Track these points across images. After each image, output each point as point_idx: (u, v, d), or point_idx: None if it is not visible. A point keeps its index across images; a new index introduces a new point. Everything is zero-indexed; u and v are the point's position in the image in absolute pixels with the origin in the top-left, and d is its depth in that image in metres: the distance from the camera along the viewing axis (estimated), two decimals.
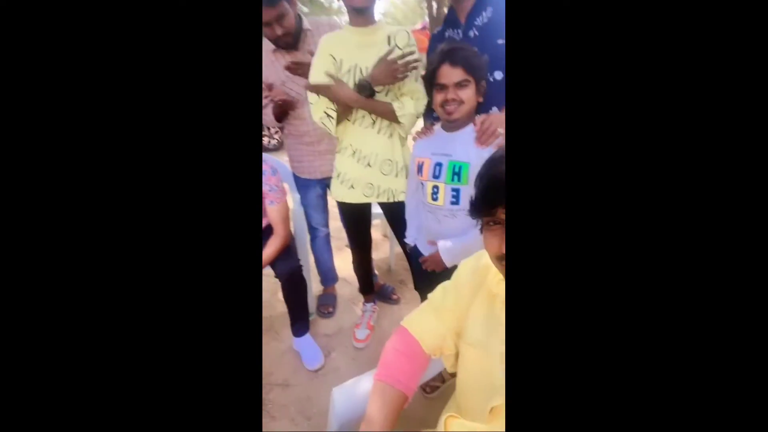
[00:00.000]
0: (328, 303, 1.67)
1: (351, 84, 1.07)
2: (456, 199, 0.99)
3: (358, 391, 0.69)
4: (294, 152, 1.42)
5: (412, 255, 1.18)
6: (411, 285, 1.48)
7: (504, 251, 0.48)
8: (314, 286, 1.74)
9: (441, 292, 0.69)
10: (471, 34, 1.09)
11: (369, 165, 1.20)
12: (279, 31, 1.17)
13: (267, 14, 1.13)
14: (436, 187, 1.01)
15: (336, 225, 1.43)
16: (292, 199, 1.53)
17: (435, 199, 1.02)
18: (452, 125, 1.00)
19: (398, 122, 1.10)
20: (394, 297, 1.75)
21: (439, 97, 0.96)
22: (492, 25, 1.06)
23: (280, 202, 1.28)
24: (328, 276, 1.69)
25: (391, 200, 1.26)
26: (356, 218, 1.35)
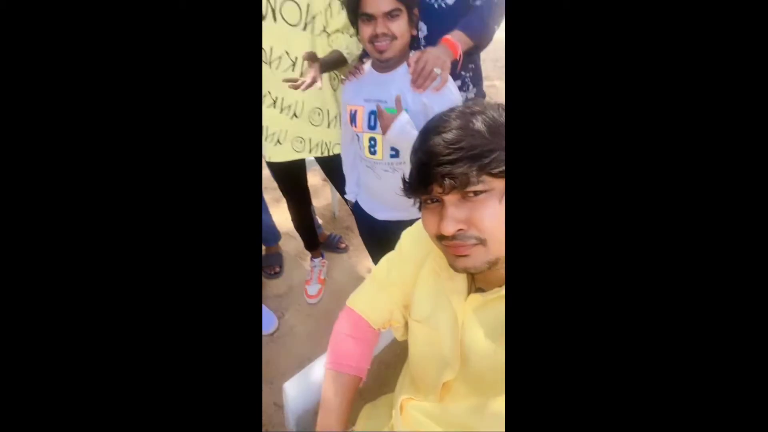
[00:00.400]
0: (273, 263, 1.59)
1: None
2: (396, 152, 0.89)
3: (310, 380, 0.66)
4: None
5: (355, 212, 1.10)
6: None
7: (443, 232, 0.44)
8: None
9: (385, 265, 0.64)
10: None
11: (295, 116, 1.04)
12: None
13: None
14: (372, 138, 0.90)
15: (268, 174, 1.28)
16: None
17: (373, 153, 0.91)
18: (385, 65, 0.85)
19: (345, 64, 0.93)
20: (342, 246, 1.71)
21: (367, 31, 0.80)
22: None
23: None
24: (269, 235, 1.57)
25: (326, 154, 1.13)
26: (289, 176, 1.23)
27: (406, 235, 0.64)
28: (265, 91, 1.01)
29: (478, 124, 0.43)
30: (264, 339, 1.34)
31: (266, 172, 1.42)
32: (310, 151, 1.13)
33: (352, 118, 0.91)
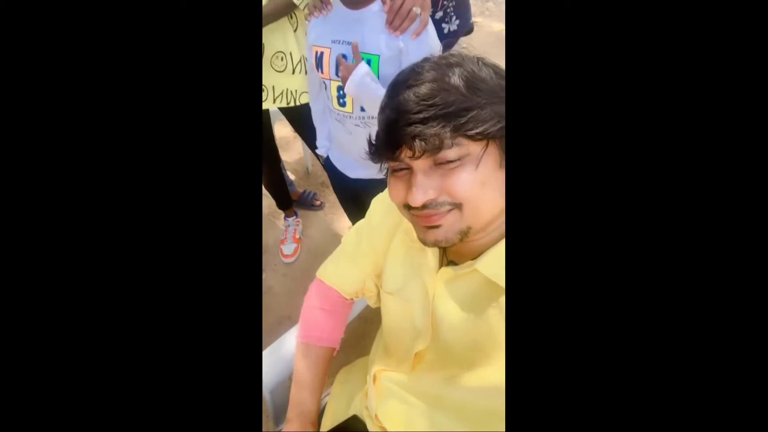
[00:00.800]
0: None
1: None
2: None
3: (283, 352, 0.64)
4: None
5: (326, 168, 1.02)
6: None
7: (410, 202, 0.39)
8: None
9: (355, 235, 0.60)
10: None
11: (272, 66, 0.91)
12: None
13: None
14: (341, 87, 0.79)
15: None
16: None
17: (342, 105, 0.82)
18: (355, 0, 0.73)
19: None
20: (317, 203, 1.65)
21: None
22: None
23: None
24: None
25: (293, 104, 1.03)
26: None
27: (376, 203, 0.59)
28: None
29: (455, 78, 0.37)
30: None
31: None
32: (274, 101, 1.01)
33: (318, 62, 0.80)
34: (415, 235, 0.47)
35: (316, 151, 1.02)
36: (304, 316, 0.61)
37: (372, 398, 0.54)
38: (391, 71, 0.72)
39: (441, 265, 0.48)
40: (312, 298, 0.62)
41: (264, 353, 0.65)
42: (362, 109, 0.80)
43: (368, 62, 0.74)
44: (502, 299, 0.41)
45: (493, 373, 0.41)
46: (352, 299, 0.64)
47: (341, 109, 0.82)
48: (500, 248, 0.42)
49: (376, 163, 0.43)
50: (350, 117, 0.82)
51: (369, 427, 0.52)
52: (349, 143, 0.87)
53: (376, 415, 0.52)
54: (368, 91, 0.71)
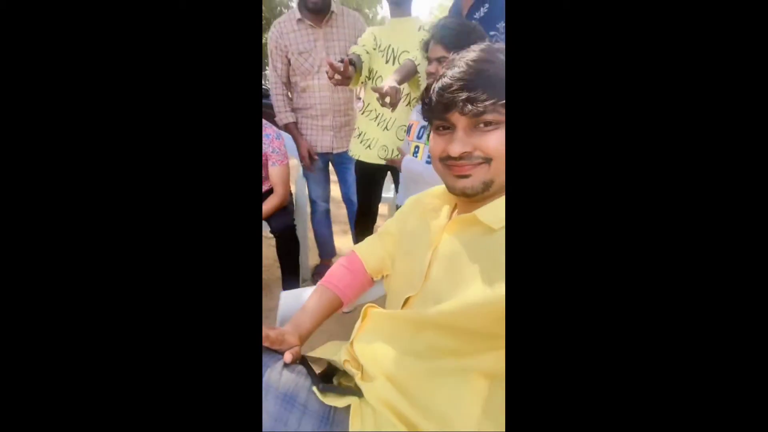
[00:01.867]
0: (323, 273, 1.74)
1: (381, 59, 1.26)
2: (430, 161, 1.05)
3: (303, 296, 0.75)
4: (300, 123, 1.53)
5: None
6: None
7: (447, 153, 0.50)
8: (312, 258, 1.82)
9: (389, 221, 0.74)
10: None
11: (387, 128, 1.30)
12: None
13: None
14: (417, 147, 1.08)
15: (336, 212, 1.51)
16: (295, 168, 1.65)
17: (415, 156, 1.09)
18: None
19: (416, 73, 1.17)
20: None
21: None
22: (489, 17, 1.15)
23: (282, 164, 1.39)
24: (326, 248, 1.76)
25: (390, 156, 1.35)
26: (367, 179, 1.43)
27: (408, 199, 0.73)
28: (372, 106, 1.29)
29: (501, 57, 0.49)
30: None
31: (335, 193, 1.68)
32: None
33: (408, 130, 1.13)
34: (433, 203, 0.60)
35: (398, 202, 1.27)
36: (330, 269, 0.74)
37: (358, 331, 0.58)
38: None
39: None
40: (342, 259, 0.75)
41: (286, 292, 0.77)
42: (428, 162, 1.05)
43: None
44: (490, 237, 0.47)
45: (474, 293, 0.44)
46: (371, 276, 0.74)
47: (414, 158, 1.09)
48: (498, 201, 0.49)
49: (425, 119, 0.55)
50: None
51: (342, 355, 0.56)
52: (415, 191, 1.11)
53: (351, 342, 0.56)
54: (414, 173, 1.06)
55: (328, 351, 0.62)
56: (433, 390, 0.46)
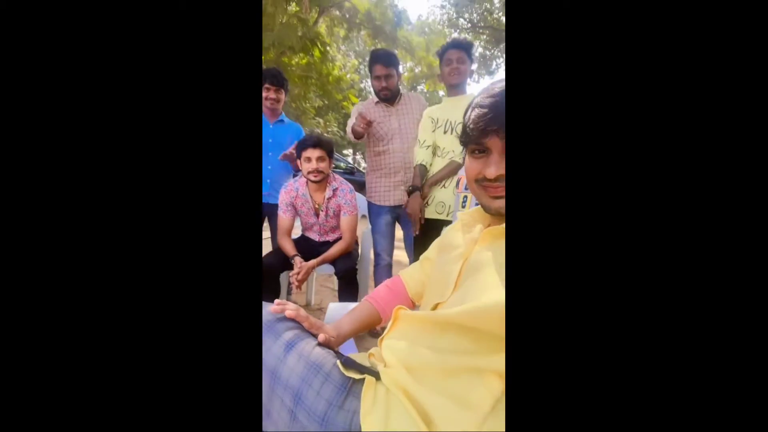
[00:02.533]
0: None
1: (441, 132, 1.50)
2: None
3: (348, 308, 0.84)
4: (372, 183, 1.78)
5: None
6: None
7: (483, 175, 0.55)
8: None
9: (430, 247, 0.82)
10: None
11: (444, 186, 1.49)
12: (383, 84, 1.65)
13: (380, 70, 1.64)
14: (465, 197, 1.19)
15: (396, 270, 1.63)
16: (362, 224, 1.84)
17: (463, 207, 1.19)
18: None
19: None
20: None
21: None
22: None
23: (352, 215, 1.60)
24: None
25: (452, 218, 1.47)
26: (425, 232, 1.57)
27: (450, 225, 0.82)
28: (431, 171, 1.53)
29: None
30: None
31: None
32: (447, 215, 1.51)
33: (457, 184, 1.25)
34: (468, 219, 0.66)
35: None
36: (376, 288, 0.83)
37: (386, 331, 0.65)
38: None
39: None
40: (387, 281, 0.84)
41: (334, 303, 0.87)
42: None
43: None
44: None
45: (494, 295, 0.48)
46: (413, 301, 0.81)
47: (462, 210, 1.19)
48: None
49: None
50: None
51: (369, 352, 0.62)
52: None
53: (380, 340, 0.63)
54: None
55: (356, 356, 0.68)
56: (447, 382, 0.49)
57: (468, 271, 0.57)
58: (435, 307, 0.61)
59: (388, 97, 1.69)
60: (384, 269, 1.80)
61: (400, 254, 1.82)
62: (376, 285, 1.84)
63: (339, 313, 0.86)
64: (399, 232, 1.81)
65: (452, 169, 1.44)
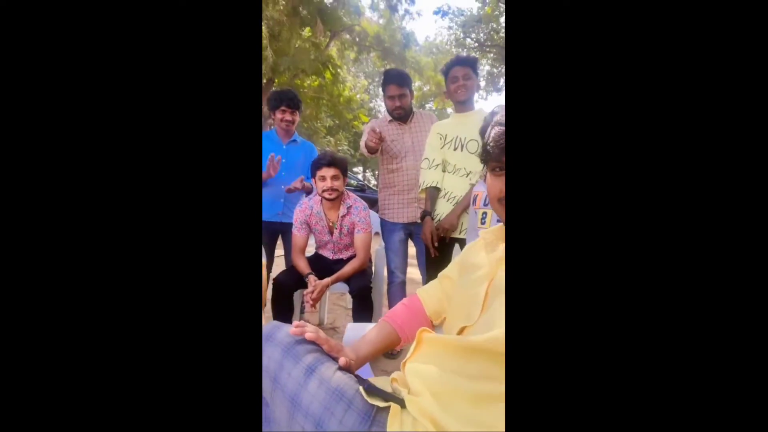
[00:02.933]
0: None
1: (451, 149, 1.50)
2: (499, 221, 1.11)
3: (366, 329, 0.81)
4: (385, 200, 1.77)
5: None
6: None
7: (504, 194, 0.56)
8: None
9: (450, 265, 0.80)
10: None
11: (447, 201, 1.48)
12: (397, 104, 1.67)
13: (393, 90, 1.65)
14: (485, 213, 1.17)
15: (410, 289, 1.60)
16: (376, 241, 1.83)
17: (483, 223, 1.16)
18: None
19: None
20: None
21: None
22: None
23: (365, 232, 1.58)
24: None
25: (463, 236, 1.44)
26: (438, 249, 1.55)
27: (470, 244, 0.79)
28: (444, 191, 1.52)
29: None
30: None
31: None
32: (461, 233, 1.49)
33: (474, 200, 1.23)
34: (492, 238, 0.65)
35: None
36: (394, 307, 0.80)
37: (409, 353, 0.62)
38: None
39: None
40: (405, 299, 0.81)
41: (352, 324, 0.84)
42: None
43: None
44: None
45: None
46: (431, 320, 0.78)
47: (482, 226, 1.16)
48: None
49: (483, 163, 0.61)
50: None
51: (391, 377, 0.59)
52: None
53: (403, 363, 0.60)
54: None
55: (376, 381, 0.65)
56: (476, 410, 0.47)
57: (494, 292, 0.56)
58: (461, 331, 0.59)
59: (402, 115, 1.71)
60: (398, 287, 1.77)
61: (413, 271, 1.79)
62: (390, 303, 1.81)
63: (357, 333, 0.83)
64: (411, 249, 1.79)
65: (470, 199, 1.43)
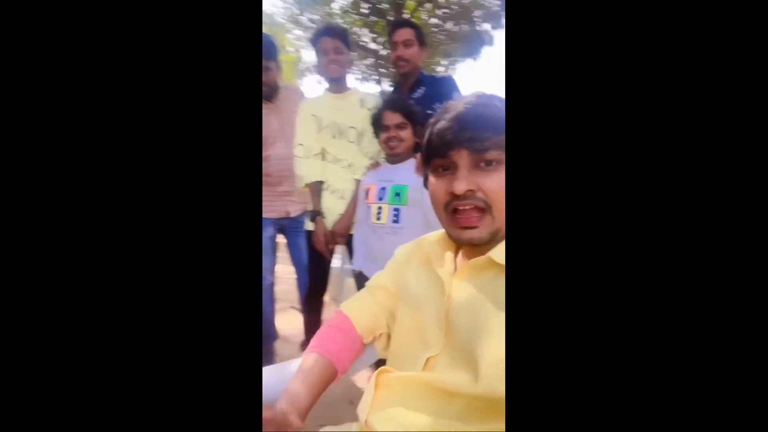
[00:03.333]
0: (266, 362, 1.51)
1: (329, 136, 1.33)
2: (397, 218, 1.08)
3: (287, 370, 0.63)
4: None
5: (358, 280, 1.20)
6: None
7: (450, 192, 0.49)
8: None
9: (377, 274, 0.69)
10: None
11: (342, 198, 1.32)
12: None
13: None
14: (380, 208, 1.11)
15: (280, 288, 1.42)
16: None
17: (378, 219, 1.11)
18: (395, 159, 1.17)
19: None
20: None
21: (383, 136, 1.15)
22: (426, 97, 1.35)
23: None
24: (267, 329, 1.56)
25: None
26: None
27: (399, 248, 0.70)
28: (328, 184, 1.35)
29: (498, 103, 0.53)
30: None
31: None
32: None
33: (366, 194, 1.16)
34: (437, 250, 0.57)
35: (353, 266, 1.23)
36: (318, 333, 0.64)
37: (366, 403, 0.51)
38: (416, 196, 1.05)
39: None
40: (329, 320, 0.66)
41: (267, 368, 0.64)
42: (393, 221, 1.08)
43: (400, 190, 1.09)
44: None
45: (496, 347, 0.43)
46: (362, 338, 0.67)
47: (378, 222, 1.11)
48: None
49: (425, 164, 0.55)
50: (383, 227, 1.10)
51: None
52: (380, 248, 1.10)
53: (365, 418, 0.49)
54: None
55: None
56: None
57: (456, 312, 0.50)
58: (427, 362, 0.51)
59: (267, 93, 1.42)
60: (267, 290, 1.53)
61: (280, 269, 1.59)
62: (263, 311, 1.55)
63: (276, 379, 0.63)
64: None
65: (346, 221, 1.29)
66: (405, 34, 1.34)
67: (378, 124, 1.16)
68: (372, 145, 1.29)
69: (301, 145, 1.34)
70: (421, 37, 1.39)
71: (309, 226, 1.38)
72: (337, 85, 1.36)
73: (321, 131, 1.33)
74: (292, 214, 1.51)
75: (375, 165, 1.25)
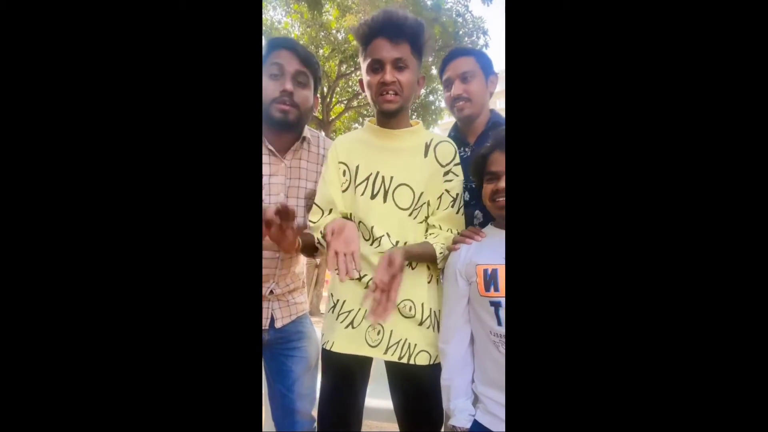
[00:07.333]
0: None
1: (368, 194, 0.81)
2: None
3: None
4: None
5: None
6: None
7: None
8: None
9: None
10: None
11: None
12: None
13: None
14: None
15: None
16: None
17: (500, 324, 0.68)
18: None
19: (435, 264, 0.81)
20: None
21: (489, 188, 0.75)
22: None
23: None
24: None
25: (405, 361, 0.78)
26: (348, 381, 0.82)
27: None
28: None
29: None
30: None
31: None
32: (387, 351, 0.78)
33: (491, 282, 0.69)
34: None
35: (452, 423, 0.73)
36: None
37: None
38: None
39: None
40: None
41: None
42: None
43: None
44: None
45: None
46: None
47: (500, 327, 0.68)
48: None
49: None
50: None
51: None
52: (496, 372, 0.69)
53: None
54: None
55: None
56: None
57: None
58: None
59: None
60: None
61: None
62: None
63: None
64: None
65: (425, 252, 0.80)
66: (464, 64, 0.96)
67: (481, 171, 0.79)
68: (439, 229, 0.85)
69: (317, 206, 0.88)
70: (487, 65, 0.99)
71: None
72: (392, 118, 0.85)
73: (349, 187, 0.86)
74: (282, 323, 0.90)
75: (477, 231, 0.83)
